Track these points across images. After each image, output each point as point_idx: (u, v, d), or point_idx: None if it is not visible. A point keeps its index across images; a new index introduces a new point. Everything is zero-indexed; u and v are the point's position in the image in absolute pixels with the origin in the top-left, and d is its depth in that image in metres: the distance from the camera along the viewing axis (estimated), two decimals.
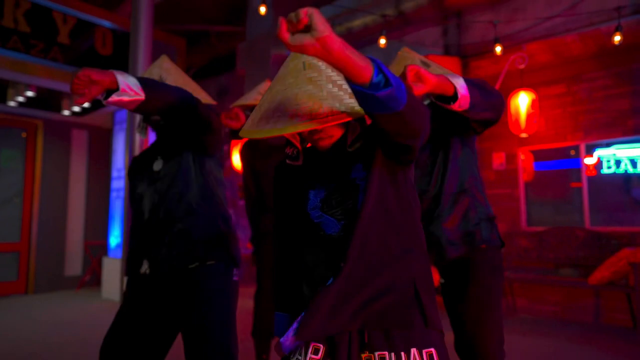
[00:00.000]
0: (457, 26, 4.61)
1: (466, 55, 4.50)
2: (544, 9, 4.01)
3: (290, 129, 0.86)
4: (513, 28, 4.16)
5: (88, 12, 5.05)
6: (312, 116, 0.86)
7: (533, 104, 4.21)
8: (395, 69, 1.64)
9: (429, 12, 4.51)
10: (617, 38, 3.48)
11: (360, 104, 0.77)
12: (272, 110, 0.91)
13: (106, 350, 1.47)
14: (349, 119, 0.88)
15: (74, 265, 6.14)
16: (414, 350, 0.90)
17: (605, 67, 4.21)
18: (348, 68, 0.70)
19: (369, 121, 1.00)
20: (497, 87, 4.40)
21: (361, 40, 4.88)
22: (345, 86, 0.90)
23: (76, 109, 5.81)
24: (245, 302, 3.21)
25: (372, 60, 0.73)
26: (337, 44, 0.68)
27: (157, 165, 1.58)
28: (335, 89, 0.90)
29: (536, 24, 4.04)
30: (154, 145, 1.68)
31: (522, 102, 4.21)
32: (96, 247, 6.25)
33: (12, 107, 5.53)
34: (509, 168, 4.68)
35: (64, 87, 5.00)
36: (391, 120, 0.77)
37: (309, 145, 1.08)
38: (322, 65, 0.92)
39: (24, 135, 5.97)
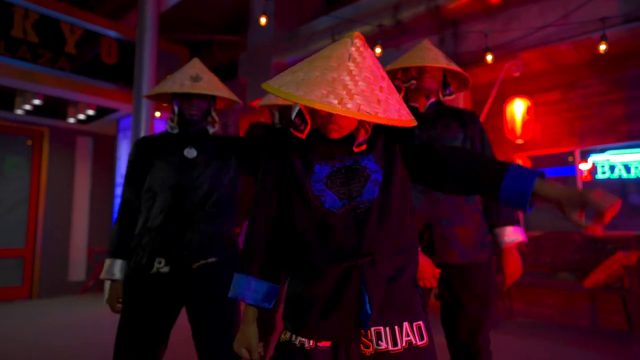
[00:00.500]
0: (454, 35, 4.72)
1: (463, 64, 4.60)
2: (538, 18, 4.12)
3: (316, 104, 0.88)
4: (508, 37, 4.26)
5: (94, 23, 5.19)
6: (340, 102, 0.88)
7: (528, 110, 4.30)
8: (414, 51, 1.73)
9: (425, 22, 4.63)
10: (602, 47, 3.58)
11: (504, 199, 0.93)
12: (306, 81, 0.92)
13: (123, 353, 1.51)
14: (371, 120, 0.91)
15: (77, 270, 6.21)
16: (406, 324, 1.00)
17: (599, 74, 4.30)
18: None
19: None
20: (492, 94, 4.50)
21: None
22: (377, 91, 0.93)
23: (81, 116, 5.93)
24: None
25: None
26: None
27: (190, 153, 1.64)
28: (369, 91, 0.92)
29: (530, 33, 4.14)
30: (178, 134, 1.71)
31: (517, 109, 4.31)
32: (99, 253, 6.32)
33: (18, 115, 5.65)
34: None
35: (71, 95, 5.13)
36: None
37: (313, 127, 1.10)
38: (365, 63, 0.95)
39: (29, 143, 6.08)
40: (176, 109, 1.71)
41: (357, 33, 0.98)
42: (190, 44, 6.57)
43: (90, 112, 5.71)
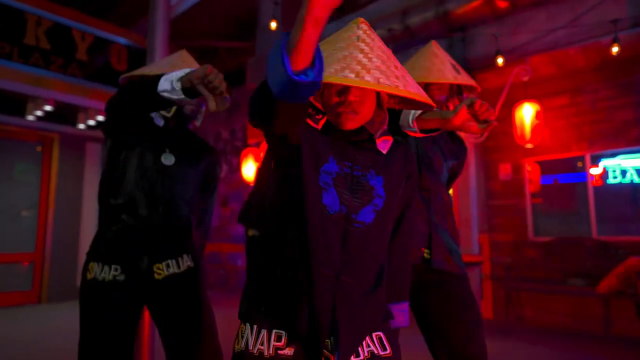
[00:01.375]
0: (462, 40, 4.72)
1: (471, 68, 4.60)
2: (546, 23, 4.11)
3: (331, 78, 0.82)
4: (516, 41, 4.26)
5: (105, 30, 5.26)
6: (357, 76, 0.82)
7: (537, 115, 4.28)
8: (419, 61, 1.61)
9: (434, 27, 4.64)
10: (614, 49, 3.56)
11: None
12: None
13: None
14: (393, 92, 0.86)
15: None
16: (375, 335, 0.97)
17: (608, 79, 4.28)
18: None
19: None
20: (502, 99, 4.49)
21: None
22: (393, 68, 0.88)
23: (91, 122, 5.99)
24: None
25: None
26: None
27: (168, 160, 1.54)
28: (384, 67, 0.87)
29: (538, 37, 4.13)
30: (156, 134, 1.56)
31: (526, 113, 4.29)
32: None
33: (29, 121, 5.72)
34: (515, 178, 4.73)
35: (81, 101, 5.18)
36: None
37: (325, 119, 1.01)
38: (375, 43, 0.90)
39: (39, 149, 6.14)
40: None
41: (361, 19, 0.94)
42: (199, 51, 6.63)
43: (100, 118, 5.77)
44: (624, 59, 4.00)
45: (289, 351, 0.92)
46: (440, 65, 1.56)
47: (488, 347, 1.50)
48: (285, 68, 0.67)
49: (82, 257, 6.24)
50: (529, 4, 4.18)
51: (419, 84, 1.51)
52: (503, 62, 4.05)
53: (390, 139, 1.05)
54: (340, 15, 5.26)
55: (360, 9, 5.20)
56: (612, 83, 4.26)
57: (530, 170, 4.69)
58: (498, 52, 4.08)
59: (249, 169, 5.67)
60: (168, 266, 1.49)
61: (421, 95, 0.90)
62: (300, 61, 0.69)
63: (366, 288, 0.97)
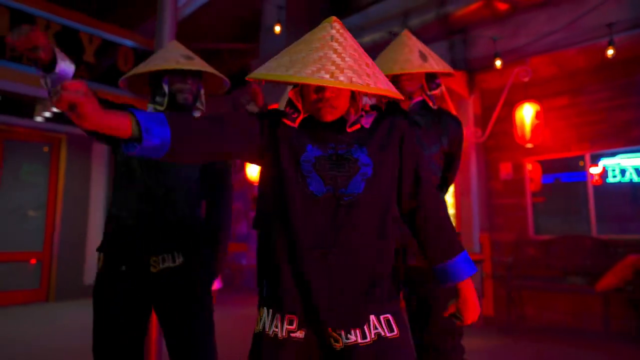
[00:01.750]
0: (463, 41, 4.78)
1: (472, 70, 4.66)
2: (546, 24, 4.16)
3: (308, 79, 0.89)
4: (517, 42, 4.31)
5: (112, 33, 5.35)
6: (332, 76, 0.90)
7: (537, 115, 4.33)
8: (390, 54, 1.61)
9: (434, 29, 4.69)
10: (610, 52, 3.62)
11: None
12: (293, 62, 0.93)
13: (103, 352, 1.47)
14: (364, 90, 0.93)
15: (93, 274, 6.29)
16: (372, 317, 0.99)
17: (608, 80, 4.32)
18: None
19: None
20: (502, 99, 4.54)
21: (370, 56, 5.08)
22: (364, 66, 0.95)
23: None
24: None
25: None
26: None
27: None
28: (356, 66, 0.93)
29: (538, 39, 4.19)
30: None
31: (526, 113, 4.34)
32: None
33: (38, 122, 5.82)
34: (515, 178, 4.77)
35: None
36: None
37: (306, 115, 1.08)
38: (347, 42, 0.97)
39: (45, 149, 6.24)
40: (166, 89, 1.56)
41: (334, 17, 1.01)
42: (202, 53, 6.71)
43: None
44: (623, 59, 4.05)
45: (300, 334, 0.99)
46: (409, 54, 1.56)
47: (490, 345, 1.53)
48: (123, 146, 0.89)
49: (89, 256, 6.35)
50: (529, 6, 4.24)
51: (388, 76, 1.53)
52: (501, 64, 4.10)
53: (374, 113, 1.10)
54: (340, 17, 5.33)
55: (361, 10, 5.26)
56: (612, 84, 4.30)
57: (531, 169, 4.74)
58: (497, 55, 4.13)
59: (253, 168, 5.74)
60: (163, 260, 1.51)
61: (390, 91, 0.97)
62: (122, 135, 0.87)
63: (363, 261, 0.99)
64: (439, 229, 1.10)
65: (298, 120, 1.05)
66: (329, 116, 1.02)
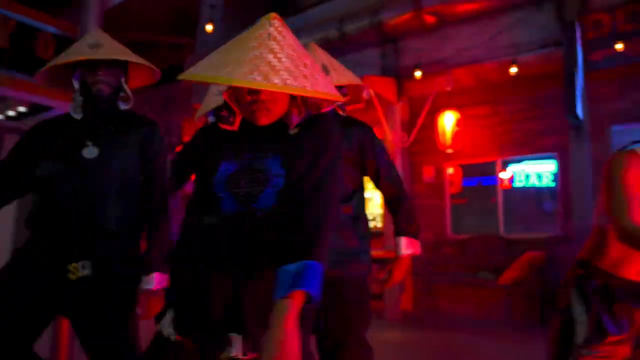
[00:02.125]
0: (394, 50, 5.02)
1: (401, 77, 4.92)
2: (468, 39, 4.50)
3: (239, 82, 0.85)
4: (441, 54, 4.61)
5: (30, 17, 4.97)
6: (265, 78, 0.85)
7: (458, 122, 4.68)
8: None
9: (369, 36, 4.88)
10: (513, 70, 4.03)
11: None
12: (227, 62, 0.88)
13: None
14: (299, 93, 0.90)
15: None
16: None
17: (521, 92, 4.77)
18: None
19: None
20: (427, 106, 4.85)
21: None
22: (302, 67, 0.90)
23: (11, 113, 5.64)
24: None
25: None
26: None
27: (91, 153, 1.43)
28: (293, 67, 0.89)
29: (460, 52, 4.51)
30: (76, 126, 1.45)
31: (448, 121, 4.68)
32: None
33: None
34: (437, 181, 5.12)
35: (2, 90, 4.86)
36: None
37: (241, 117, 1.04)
38: (286, 41, 0.92)
39: None
40: (77, 85, 1.45)
41: (273, 14, 0.96)
42: (136, 45, 6.44)
43: (22, 109, 5.44)
44: (533, 75, 4.48)
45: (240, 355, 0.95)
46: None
47: (407, 337, 1.61)
48: None
49: None
50: (454, 21, 4.55)
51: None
52: (422, 74, 4.38)
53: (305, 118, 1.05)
54: (283, 18, 5.37)
55: (300, 12, 5.34)
56: (525, 97, 4.75)
57: (453, 173, 5.10)
58: (417, 65, 4.40)
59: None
60: (83, 267, 1.41)
61: (328, 94, 0.93)
62: None
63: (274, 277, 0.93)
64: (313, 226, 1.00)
65: (237, 123, 1.01)
66: (264, 119, 0.97)
